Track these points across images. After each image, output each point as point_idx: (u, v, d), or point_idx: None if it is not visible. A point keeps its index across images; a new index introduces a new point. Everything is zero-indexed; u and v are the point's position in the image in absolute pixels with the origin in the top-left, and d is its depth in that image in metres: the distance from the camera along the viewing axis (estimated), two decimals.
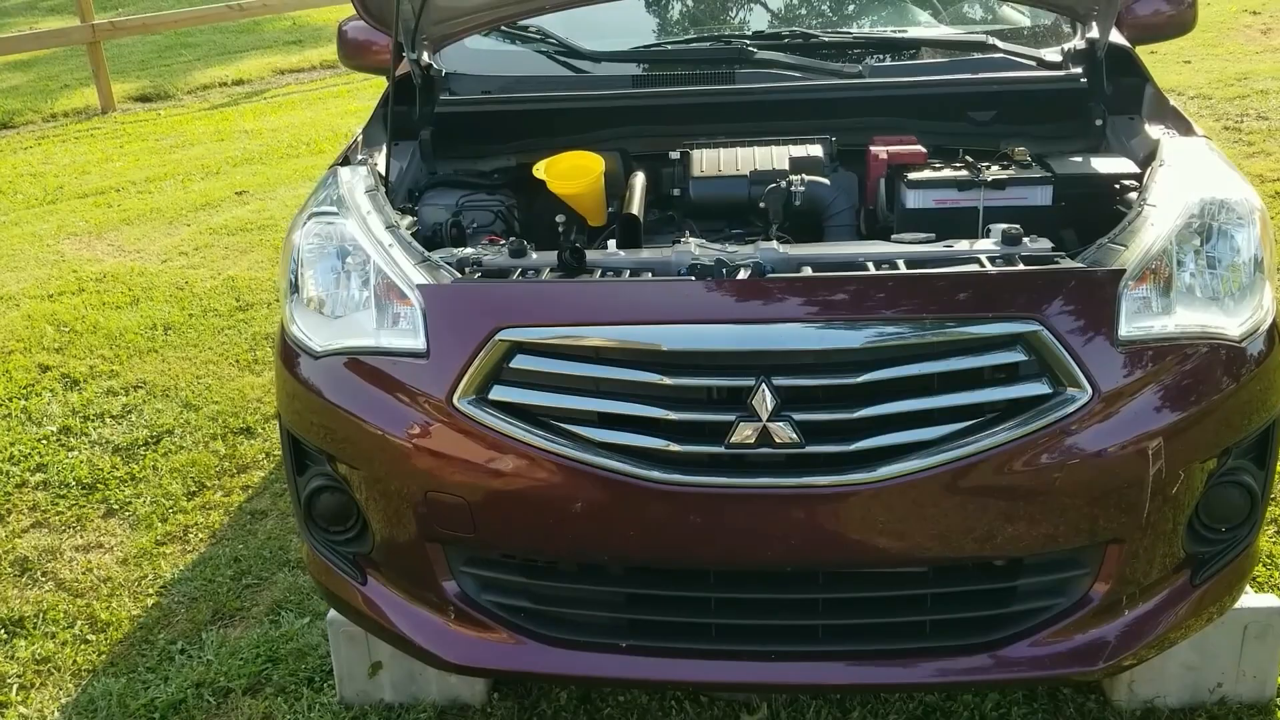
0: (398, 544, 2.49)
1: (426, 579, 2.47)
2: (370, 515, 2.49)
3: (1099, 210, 2.76)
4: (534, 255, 2.59)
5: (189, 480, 4.12)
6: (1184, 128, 2.93)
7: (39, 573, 3.65)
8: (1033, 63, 3.27)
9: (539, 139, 3.24)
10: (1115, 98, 3.14)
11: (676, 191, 3.07)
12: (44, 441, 4.45)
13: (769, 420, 2.18)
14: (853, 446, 2.20)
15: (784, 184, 2.83)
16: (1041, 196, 2.80)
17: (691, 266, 2.45)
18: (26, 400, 4.81)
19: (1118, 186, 2.80)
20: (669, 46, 3.69)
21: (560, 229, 2.93)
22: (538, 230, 2.99)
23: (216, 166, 8.63)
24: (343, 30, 3.93)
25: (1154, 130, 2.98)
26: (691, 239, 2.61)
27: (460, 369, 2.31)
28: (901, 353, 2.22)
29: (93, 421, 4.60)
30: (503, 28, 3.50)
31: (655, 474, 2.23)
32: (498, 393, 2.31)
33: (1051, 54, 3.29)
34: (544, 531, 2.35)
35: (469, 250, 2.67)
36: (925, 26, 3.87)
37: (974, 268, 2.39)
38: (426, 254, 2.55)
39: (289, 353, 2.58)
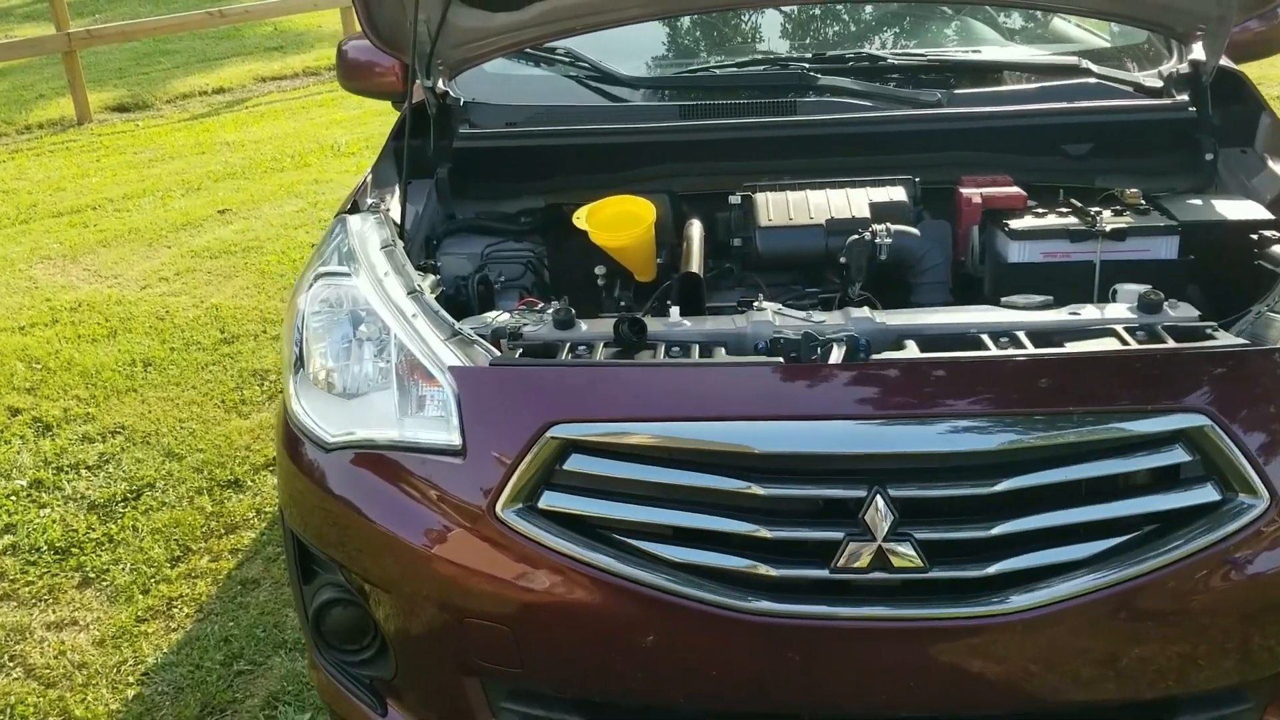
0: (426, 674, 2.11)
1: (462, 717, 2.07)
2: (392, 639, 2.10)
3: (1230, 265, 2.39)
4: (584, 326, 2.19)
5: (172, 543, 3.74)
6: None
7: (6, 657, 3.27)
8: (1130, 89, 2.90)
9: (571, 177, 2.85)
10: (1223, 128, 2.77)
11: (737, 241, 2.67)
12: (13, 498, 4.06)
13: (885, 540, 1.80)
14: (988, 570, 1.81)
15: (868, 235, 2.44)
16: (1166, 249, 2.42)
17: (774, 341, 2.04)
18: None
19: (1254, 237, 2.43)
20: (718, 71, 3.26)
21: (601, 284, 2.54)
22: (571, 282, 2.60)
23: (197, 182, 8.25)
24: (342, 50, 3.53)
25: (1279, 167, 2.61)
26: (767, 304, 2.22)
27: (505, 472, 1.92)
28: (1043, 455, 1.84)
29: (67, 473, 4.22)
30: (527, 50, 3.10)
31: (744, 603, 1.85)
32: (548, 500, 1.92)
33: (1149, 79, 2.92)
34: (606, 668, 1.96)
35: (504, 317, 2.28)
36: (1001, 47, 3.47)
37: (1115, 345, 2.01)
38: (457, 326, 2.16)
39: (293, 440, 2.19)
